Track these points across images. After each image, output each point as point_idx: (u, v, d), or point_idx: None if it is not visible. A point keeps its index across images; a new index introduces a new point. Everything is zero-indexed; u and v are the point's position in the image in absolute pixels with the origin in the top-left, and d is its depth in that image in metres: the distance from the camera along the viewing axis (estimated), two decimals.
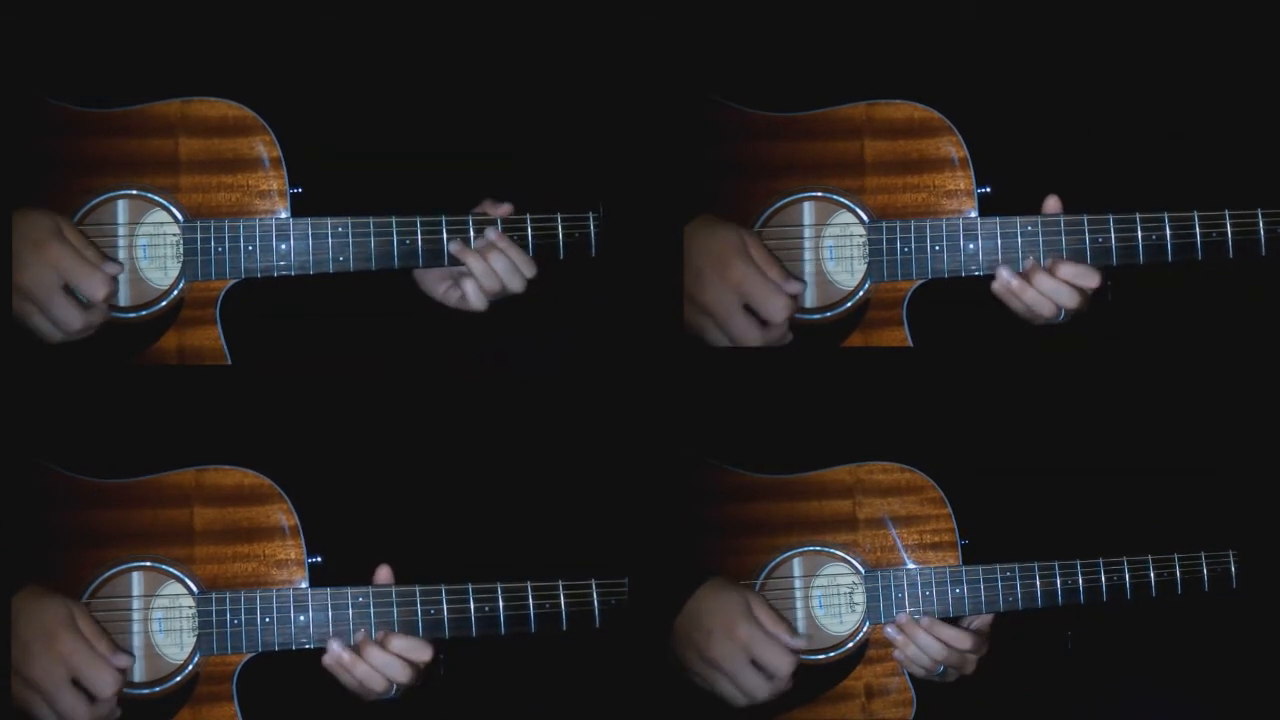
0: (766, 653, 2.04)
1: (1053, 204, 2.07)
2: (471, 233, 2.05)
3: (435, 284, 2.09)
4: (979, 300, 2.08)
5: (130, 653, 2.00)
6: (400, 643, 2.01)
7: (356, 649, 2.01)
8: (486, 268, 2.04)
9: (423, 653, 2.01)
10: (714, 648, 2.04)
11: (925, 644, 2.07)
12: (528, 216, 2.07)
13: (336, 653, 2.01)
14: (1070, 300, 2.06)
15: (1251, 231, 2.07)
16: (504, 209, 2.07)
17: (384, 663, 2.00)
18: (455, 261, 2.05)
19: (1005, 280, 2.06)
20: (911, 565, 2.10)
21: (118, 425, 2.04)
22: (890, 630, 2.08)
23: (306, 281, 2.04)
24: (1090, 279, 2.05)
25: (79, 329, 1.98)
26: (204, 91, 2.02)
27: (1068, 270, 2.05)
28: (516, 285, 2.05)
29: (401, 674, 2.01)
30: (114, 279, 1.99)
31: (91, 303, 1.98)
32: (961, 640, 2.06)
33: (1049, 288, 2.05)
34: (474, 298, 2.05)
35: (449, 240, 2.04)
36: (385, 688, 2.01)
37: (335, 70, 2.08)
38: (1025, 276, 2.06)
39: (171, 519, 2.02)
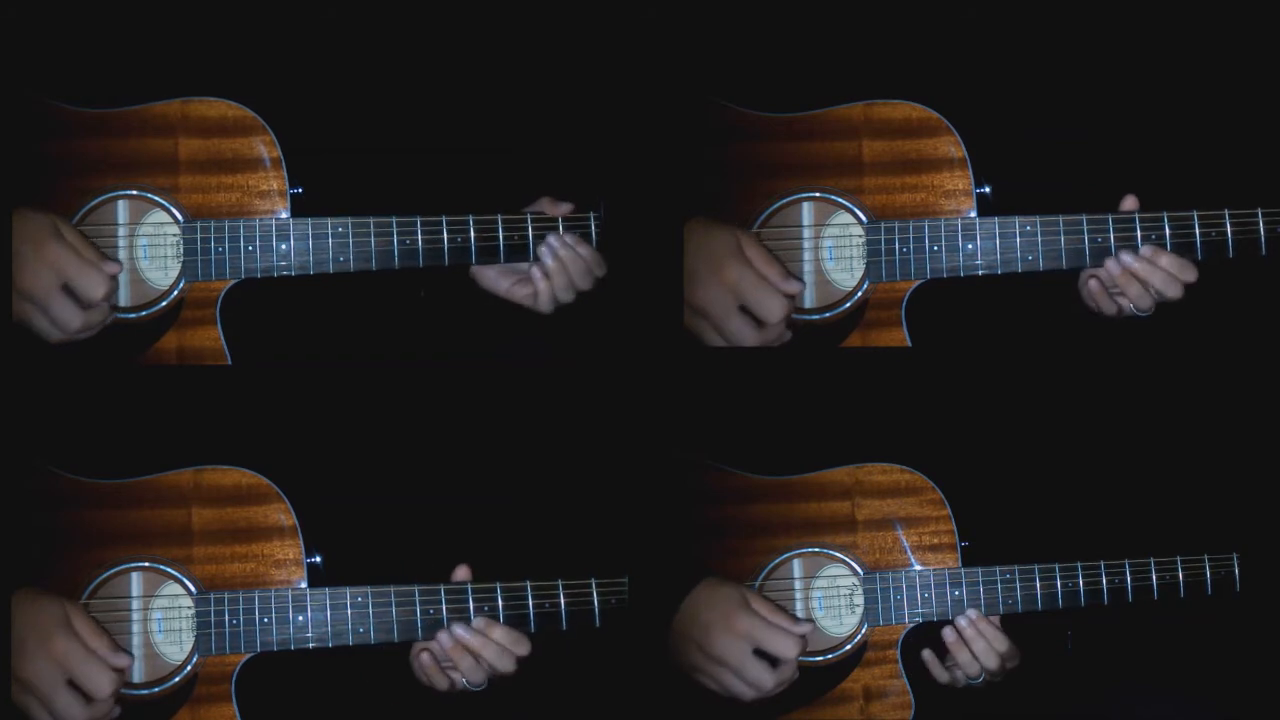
0: (770, 639, 2.02)
1: (1130, 202, 2.06)
2: (531, 234, 2.05)
3: (497, 281, 2.09)
4: (978, 300, 2.08)
5: (130, 652, 1.99)
6: (502, 633, 2.02)
7: (459, 641, 2.02)
8: (560, 267, 2.05)
9: (521, 646, 2.02)
10: (714, 642, 2.03)
11: (981, 649, 2.06)
12: (528, 215, 2.07)
13: (447, 644, 2.01)
14: (1176, 291, 2.05)
15: (1251, 231, 2.07)
16: (564, 208, 2.07)
17: (494, 654, 2.01)
18: (514, 258, 2.05)
19: (1111, 273, 2.05)
20: (916, 568, 2.09)
21: (117, 425, 2.04)
22: (960, 622, 2.07)
23: (306, 281, 2.05)
24: (1189, 273, 2.05)
25: (78, 328, 1.98)
26: (204, 91, 2.03)
27: (1168, 261, 2.04)
28: (587, 284, 2.07)
29: (508, 664, 2.02)
30: (113, 278, 1.99)
31: (90, 302, 1.97)
32: (1001, 641, 2.06)
33: (1159, 281, 2.04)
34: (545, 300, 2.07)
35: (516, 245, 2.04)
36: (483, 679, 2.02)
37: (335, 70, 2.08)
38: (1125, 268, 2.05)
39: (170, 519, 2.02)
